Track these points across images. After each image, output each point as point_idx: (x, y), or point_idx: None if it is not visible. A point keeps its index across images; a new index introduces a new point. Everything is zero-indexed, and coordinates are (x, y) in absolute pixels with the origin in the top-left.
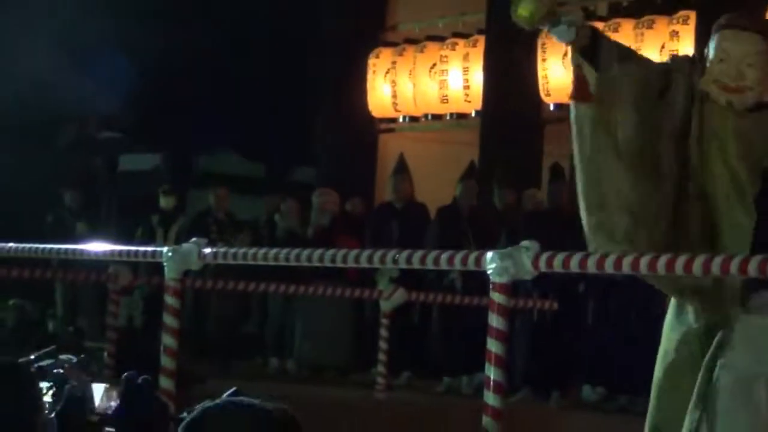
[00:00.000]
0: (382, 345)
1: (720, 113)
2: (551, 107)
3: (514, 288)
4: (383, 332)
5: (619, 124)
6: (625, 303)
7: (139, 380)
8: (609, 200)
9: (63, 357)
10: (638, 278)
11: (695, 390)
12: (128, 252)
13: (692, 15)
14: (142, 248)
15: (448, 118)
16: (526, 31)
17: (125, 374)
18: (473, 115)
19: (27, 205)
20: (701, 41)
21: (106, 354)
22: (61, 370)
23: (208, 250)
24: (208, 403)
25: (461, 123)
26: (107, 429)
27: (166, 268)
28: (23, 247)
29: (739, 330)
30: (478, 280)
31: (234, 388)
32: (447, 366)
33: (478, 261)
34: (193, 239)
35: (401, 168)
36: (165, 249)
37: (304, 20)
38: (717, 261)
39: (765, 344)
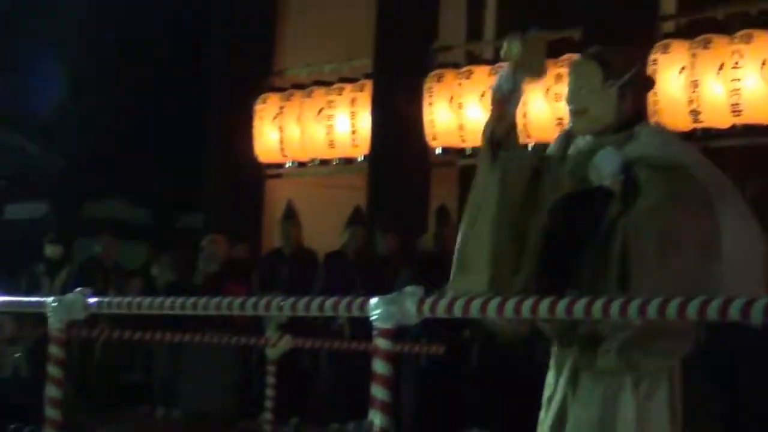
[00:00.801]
0: (269, 392)
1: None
2: (438, 151)
3: (400, 333)
4: (270, 379)
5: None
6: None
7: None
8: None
9: None
10: None
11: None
12: (12, 303)
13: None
14: (26, 299)
15: (335, 163)
16: (412, 74)
17: (11, 427)
18: (360, 159)
19: None
20: None
21: None
22: None
23: (93, 300)
24: None
25: (349, 168)
26: None
27: (50, 318)
28: None
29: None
30: (366, 326)
31: None
32: (335, 412)
33: (363, 307)
34: (78, 288)
35: (290, 214)
36: (50, 299)
37: (192, 65)
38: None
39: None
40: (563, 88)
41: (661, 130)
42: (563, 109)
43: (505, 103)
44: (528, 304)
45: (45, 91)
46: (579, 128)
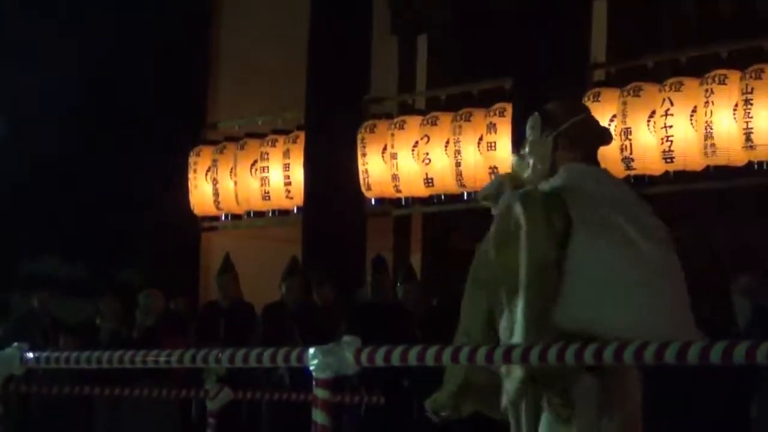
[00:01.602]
0: None
1: None
2: (372, 201)
3: (338, 383)
4: None
5: None
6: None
7: None
8: None
9: None
10: None
11: None
12: None
13: (508, 107)
14: None
15: (270, 215)
16: (345, 125)
17: None
18: (295, 211)
19: None
20: (517, 132)
21: None
22: None
23: (30, 355)
24: None
25: (284, 219)
26: None
27: None
28: None
29: None
30: (307, 376)
31: None
32: None
33: (301, 357)
34: (15, 344)
35: (227, 267)
36: None
37: (124, 118)
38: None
39: None
40: (496, 138)
41: (575, 167)
42: (496, 157)
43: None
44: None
45: None
46: (527, 178)
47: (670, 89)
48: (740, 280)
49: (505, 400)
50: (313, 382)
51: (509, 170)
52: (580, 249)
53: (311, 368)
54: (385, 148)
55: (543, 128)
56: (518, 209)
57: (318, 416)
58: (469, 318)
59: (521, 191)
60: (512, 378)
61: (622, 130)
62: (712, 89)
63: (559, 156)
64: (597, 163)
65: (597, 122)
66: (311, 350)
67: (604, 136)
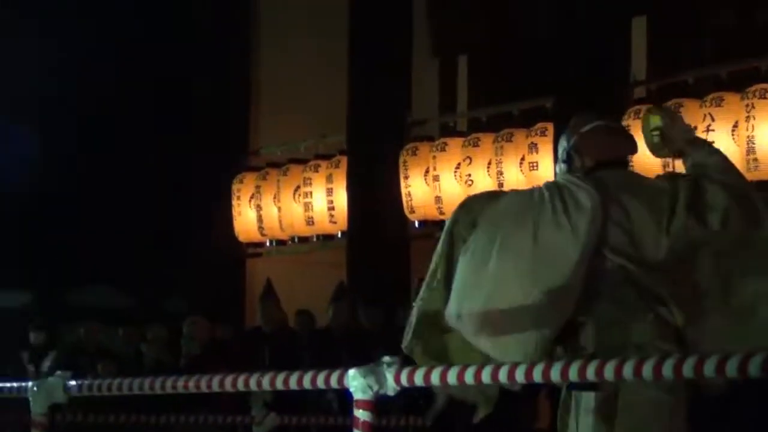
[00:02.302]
0: None
1: None
2: (416, 224)
3: (382, 405)
4: None
5: None
6: (494, 417)
7: None
8: None
9: None
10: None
11: None
12: None
13: (550, 126)
14: (7, 384)
15: (314, 240)
16: (387, 148)
17: None
18: (339, 235)
19: None
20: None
21: None
22: None
23: (73, 383)
24: None
25: (328, 244)
26: None
27: (31, 403)
28: None
29: None
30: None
31: None
32: None
33: (341, 379)
34: (58, 372)
35: (268, 293)
36: (30, 383)
37: (167, 147)
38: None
39: None
40: (538, 157)
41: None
42: (539, 177)
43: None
44: (504, 370)
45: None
46: None
47: (711, 104)
48: None
49: None
50: (354, 404)
51: None
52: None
53: (351, 389)
54: (427, 171)
55: (564, 143)
56: None
57: None
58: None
59: None
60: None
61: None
62: (752, 104)
63: (573, 172)
64: (615, 169)
65: (614, 131)
66: (351, 371)
67: (619, 145)
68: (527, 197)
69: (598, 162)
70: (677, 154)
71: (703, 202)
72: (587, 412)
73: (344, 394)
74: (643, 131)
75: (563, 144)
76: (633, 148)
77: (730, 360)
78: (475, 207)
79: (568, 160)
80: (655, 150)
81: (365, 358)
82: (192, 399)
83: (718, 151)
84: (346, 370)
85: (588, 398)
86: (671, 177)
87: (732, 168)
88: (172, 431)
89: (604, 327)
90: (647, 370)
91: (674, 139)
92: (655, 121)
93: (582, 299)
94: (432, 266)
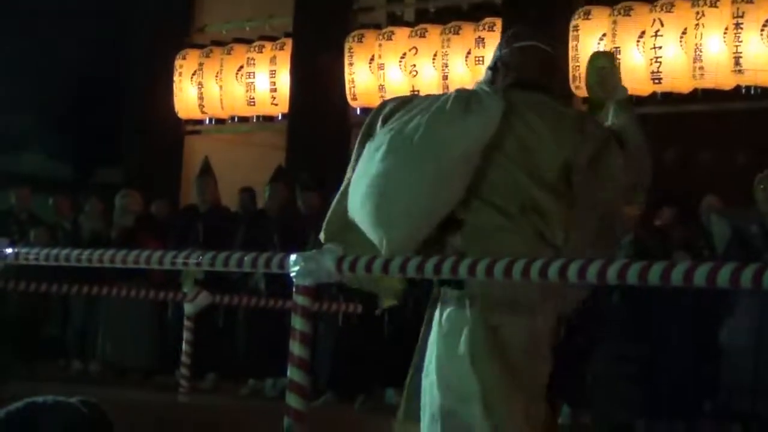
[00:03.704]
0: (186, 347)
1: None
2: (357, 111)
3: (318, 291)
4: (187, 335)
5: None
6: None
7: None
8: None
9: None
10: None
11: None
12: None
13: (498, 21)
14: None
15: (254, 120)
16: (334, 34)
17: None
18: (280, 118)
19: None
20: None
21: None
22: None
23: (9, 251)
24: (10, 407)
25: (268, 126)
26: None
27: None
28: None
29: None
30: (283, 283)
31: None
32: (252, 368)
33: (282, 263)
34: None
35: (205, 171)
36: None
37: (113, 20)
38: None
39: None
40: (484, 52)
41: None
42: (483, 72)
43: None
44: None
45: None
46: None
47: (661, 10)
48: (707, 199)
49: None
50: (293, 289)
51: None
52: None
53: (292, 275)
54: (372, 59)
55: (498, 51)
56: None
57: (297, 323)
58: None
59: None
60: None
61: (611, 49)
62: (703, 12)
63: (496, 83)
64: (533, 92)
65: (545, 56)
66: (293, 257)
67: (545, 70)
68: (435, 98)
69: (518, 80)
70: (600, 105)
71: (606, 161)
72: (447, 307)
73: (271, 277)
74: (587, 67)
75: (496, 52)
76: (556, 75)
77: (592, 265)
78: (386, 108)
79: (494, 68)
80: (591, 89)
81: (298, 242)
82: (122, 272)
83: (640, 124)
84: (287, 254)
85: (452, 294)
86: (583, 114)
87: (644, 148)
88: (101, 302)
89: (481, 229)
90: (517, 270)
91: (609, 87)
92: (601, 62)
93: (465, 199)
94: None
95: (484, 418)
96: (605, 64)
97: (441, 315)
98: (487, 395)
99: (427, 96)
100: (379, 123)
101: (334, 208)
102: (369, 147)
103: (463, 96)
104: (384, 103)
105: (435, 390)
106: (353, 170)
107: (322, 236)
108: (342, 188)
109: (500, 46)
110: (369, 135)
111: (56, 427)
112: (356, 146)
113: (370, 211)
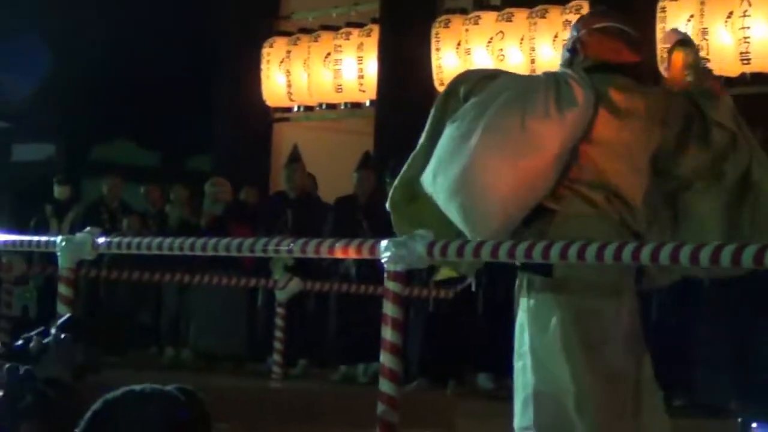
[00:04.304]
0: (278, 334)
1: None
2: None
3: (409, 277)
4: (279, 321)
5: None
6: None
7: (21, 371)
8: None
9: None
10: None
11: None
12: (22, 242)
13: (585, 4)
14: (36, 238)
15: (342, 107)
16: (420, 19)
17: (6, 366)
18: (368, 104)
19: None
20: None
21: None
22: None
23: (101, 240)
24: (108, 395)
25: (356, 112)
26: None
27: (59, 258)
28: None
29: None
30: (373, 269)
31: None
32: (343, 354)
33: (373, 250)
34: (87, 228)
35: (294, 158)
36: (59, 238)
37: (201, 9)
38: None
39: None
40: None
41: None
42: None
43: None
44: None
45: (54, 37)
46: None
47: None
48: None
49: None
50: (385, 275)
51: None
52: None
53: (383, 260)
54: (459, 44)
55: (575, 32)
56: None
57: (389, 309)
58: None
59: None
60: None
61: (699, 30)
62: None
63: (574, 64)
64: (615, 73)
65: (625, 36)
66: (384, 243)
67: (625, 51)
68: (524, 83)
69: (600, 62)
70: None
71: (693, 142)
72: (535, 293)
73: (362, 264)
74: (673, 61)
75: (573, 33)
76: (638, 56)
77: (683, 249)
78: (470, 81)
79: (573, 50)
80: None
81: (387, 229)
82: (212, 259)
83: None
84: (378, 240)
85: (541, 280)
86: (668, 95)
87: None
88: (194, 290)
89: (570, 218)
90: (609, 253)
91: (701, 77)
92: (687, 58)
93: (555, 188)
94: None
95: (577, 401)
96: (689, 62)
97: (529, 300)
98: (578, 380)
99: (513, 75)
100: (461, 94)
101: (402, 174)
102: (454, 125)
103: (556, 86)
104: (466, 76)
105: (528, 374)
106: (429, 138)
107: (388, 204)
108: (413, 155)
109: (577, 27)
110: (447, 106)
111: (155, 416)
112: (432, 114)
113: (464, 204)
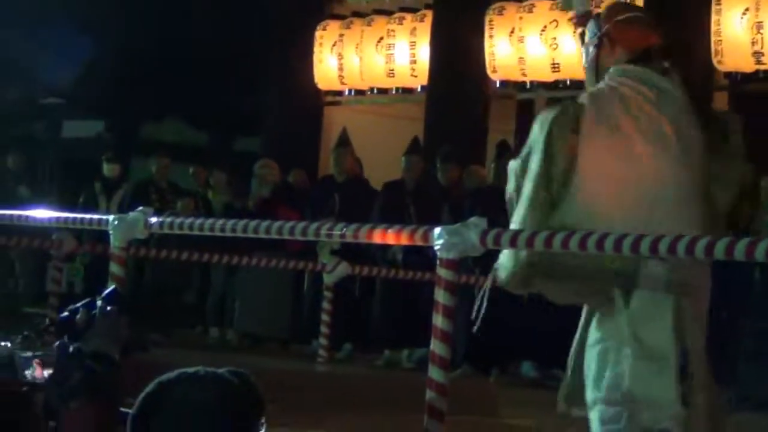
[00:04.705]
0: (325, 317)
1: None
2: (497, 84)
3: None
4: (326, 305)
5: None
6: None
7: (71, 348)
8: None
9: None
10: None
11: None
12: (74, 219)
13: None
14: (87, 216)
15: (393, 92)
16: (474, 6)
17: (57, 343)
18: (419, 90)
19: None
20: None
21: (47, 320)
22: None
23: (154, 220)
24: (163, 377)
25: (407, 97)
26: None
27: (111, 237)
28: None
29: None
30: (419, 255)
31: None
32: (388, 339)
33: (426, 236)
34: (140, 208)
35: (343, 142)
36: (111, 217)
37: None
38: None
39: None
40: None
41: (618, 69)
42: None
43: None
44: (593, 239)
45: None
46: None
47: None
48: None
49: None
50: (437, 262)
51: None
52: (585, 164)
53: (436, 248)
54: (512, 31)
55: (595, 29)
56: (536, 125)
57: (440, 296)
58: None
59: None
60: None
61: (754, 23)
62: None
63: (601, 58)
64: (649, 62)
65: (647, 24)
66: (437, 230)
67: (649, 36)
68: (669, 98)
69: (633, 52)
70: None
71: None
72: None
73: (408, 250)
74: None
75: (593, 29)
76: (661, 37)
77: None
78: (568, 113)
79: (599, 45)
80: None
81: (432, 215)
82: (259, 242)
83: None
84: (431, 227)
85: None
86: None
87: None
88: (241, 272)
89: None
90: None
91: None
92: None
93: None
94: (534, 179)
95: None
96: None
97: (627, 295)
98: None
99: (599, 94)
100: (565, 126)
101: (534, 218)
102: (604, 143)
103: (648, 88)
104: (559, 110)
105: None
106: (558, 179)
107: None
108: (537, 202)
109: (598, 24)
110: (551, 143)
111: (209, 399)
112: (541, 160)
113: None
